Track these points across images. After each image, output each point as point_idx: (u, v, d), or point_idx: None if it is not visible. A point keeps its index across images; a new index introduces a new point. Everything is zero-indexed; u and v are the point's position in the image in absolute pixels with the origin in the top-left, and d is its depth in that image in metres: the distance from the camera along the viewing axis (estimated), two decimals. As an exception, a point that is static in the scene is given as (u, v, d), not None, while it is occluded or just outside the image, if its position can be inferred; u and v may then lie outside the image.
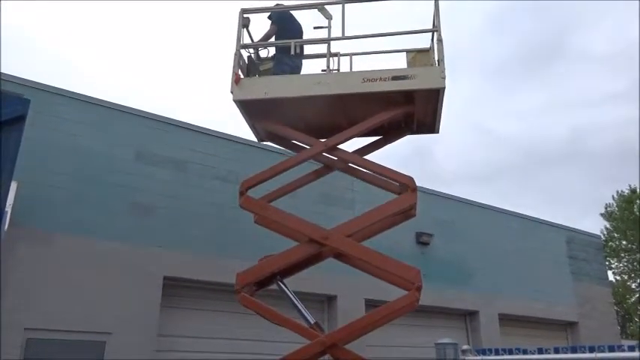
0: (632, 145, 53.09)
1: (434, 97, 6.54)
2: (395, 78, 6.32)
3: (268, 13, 7.58)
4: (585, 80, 66.49)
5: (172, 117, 9.99)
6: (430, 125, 7.30)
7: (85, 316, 7.99)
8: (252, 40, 7.40)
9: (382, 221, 6.59)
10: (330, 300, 10.80)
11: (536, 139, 66.73)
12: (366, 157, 7.19)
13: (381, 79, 6.34)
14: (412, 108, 6.64)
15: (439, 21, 6.59)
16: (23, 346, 7.49)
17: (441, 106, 6.74)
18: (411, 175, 6.42)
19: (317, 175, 7.48)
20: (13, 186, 6.99)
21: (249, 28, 7.30)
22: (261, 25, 7.55)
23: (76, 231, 8.31)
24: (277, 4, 7.81)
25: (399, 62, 6.84)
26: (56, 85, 8.87)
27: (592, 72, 65.65)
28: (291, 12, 7.69)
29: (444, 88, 6.30)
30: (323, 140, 6.75)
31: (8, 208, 6.90)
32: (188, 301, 9.36)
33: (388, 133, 7.31)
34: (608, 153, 57.57)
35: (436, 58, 6.51)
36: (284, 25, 7.50)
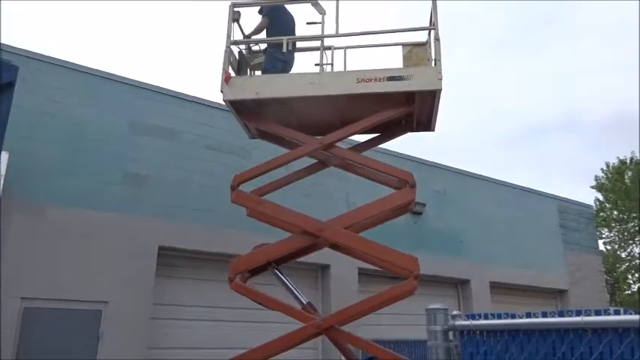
0: (626, 116, 53.18)
1: (430, 97, 6.37)
2: (390, 78, 6.10)
3: (259, 7, 7.33)
4: (582, 51, 66.10)
5: (165, 87, 9.93)
6: (426, 123, 7.12)
7: (81, 286, 8.06)
8: (243, 34, 7.16)
9: (379, 215, 6.50)
10: (324, 269, 10.91)
11: (531, 110, 66.69)
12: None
13: (376, 79, 6.12)
14: (412, 108, 6.46)
15: (437, 19, 6.33)
16: (20, 315, 7.58)
17: (438, 105, 6.57)
18: (410, 171, 6.31)
19: (311, 170, 7.35)
20: (5, 156, 6.96)
21: (240, 21, 7.03)
22: (252, 17, 7.33)
23: (70, 201, 8.32)
24: None
25: (395, 55, 6.66)
26: (46, 54, 8.78)
27: (590, 43, 65.22)
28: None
29: (441, 89, 6.11)
30: (319, 138, 6.57)
31: (0, 178, 6.88)
32: (183, 271, 9.45)
33: (387, 131, 7.15)
34: (604, 124, 57.67)
35: (433, 57, 6.29)
36: (275, 18, 7.26)
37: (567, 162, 58.42)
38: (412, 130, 7.22)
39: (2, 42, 8.13)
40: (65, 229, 8.17)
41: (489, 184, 14.94)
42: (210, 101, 10.23)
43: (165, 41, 64.15)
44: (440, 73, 6.06)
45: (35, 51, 8.64)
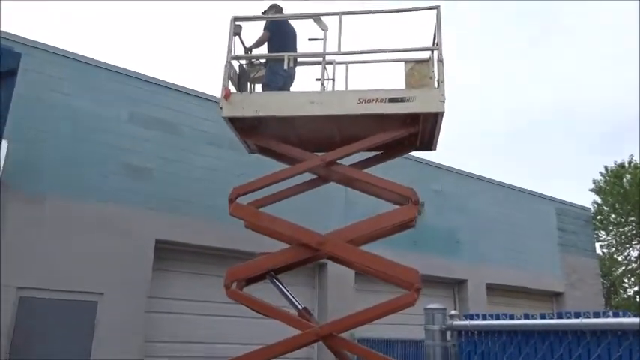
0: (627, 118, 53.32)
1: (433, 118, 6.28)
2: (392, 100, 6.01)
3: (262, 13, 7.29)
4: (583, 51, 66.10)
5: (166, 79, 9.91)
6: (427, 143, 7.04)
7: (77, 277, 8.04)
8: (244, 47, 7.09)
9: (381, 230, 6.46)
10: (321, 267, 10.90)
11: (529, 110, 66.73)
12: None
13: (377, 100, 6.03)
14: (416, 129, 6.39)
15: (441, 38, 6.20)
16: (16, 305, 7.57)
17: (440, 127, 6.48)
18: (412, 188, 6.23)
19: (311, 185, 7.27)
20: (4, 144, 6.94)
21: (242, 35, 6.96)
22: (255, 30, 7.29)
23: (68, 192, 8.30)
24: (272, 5, 7.50)
25: (398, 69, 6.60)
26: (48, 44, 8.75)
27: (592, 42, 65.19)
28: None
29: (444, 112, 6.02)
30: (320, 155, 6.51)
31: (-1, 167, 6.86)
32: (179, 264, 9.43)
33: (390, 149, 7.06)
34: (601, 123, 57.75)
35: (436, 77, 6.19)
36: (277, 31, 7.20)
37: (566, 164, 58.52)
38: (416, 149, 7.17)
39: (4, 30, 8.08)
40: (63, 219, 8.15)
41: (487, 184, 14.92)
42: (211, 95, 10.20)
43: (167, 33, 64.03)
44: (443, 95, 5.96)
45: (37, 40, 8.60)
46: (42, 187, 8.11)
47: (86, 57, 9.10)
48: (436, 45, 6.26)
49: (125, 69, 9.47)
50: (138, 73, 9.60)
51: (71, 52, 8.95)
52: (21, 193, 7.84)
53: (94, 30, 56.50)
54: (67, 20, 58.22)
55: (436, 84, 6.18)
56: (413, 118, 6.26)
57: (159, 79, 9.80)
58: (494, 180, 15.18)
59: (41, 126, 8.30)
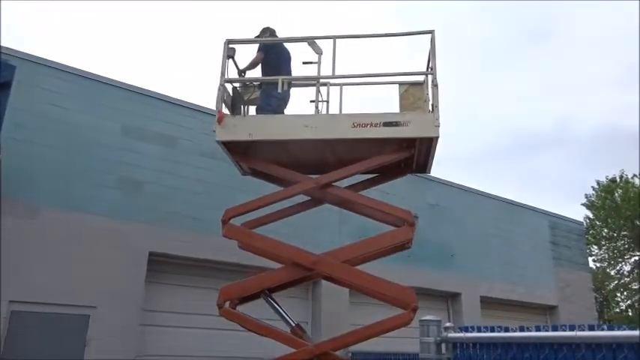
0: (617, 131, 53.84)
1: (427, 141, 6.29)
2: (386, 124, 6.00)
3: (255, 37, 7.36)
4: (574, 65, 66.82)
5: (162, 92, 9.93)
6: (422, 165, 7.06)
7: (70, 290, 7.98)
8: (238, 70, 7.09)
9: (376, 251, 6.48)
10: (316, 280, 10.85)
11: (522, 124, 67.22)
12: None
13: (372, 124, 6.03)
14: (412, 152, 6.40)
15: (435, 63, 6.22)
16: (8, 319, 7.49)
17: (434, 151, 6.50)
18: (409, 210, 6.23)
19: (305, 207, 7.27)
20: (-2, 157, 6.92)
21: (236, 57, 6.93)
22: (249, 51, 7.28)
23: (62, 205, 8.26)
24: (265, 28, 7.55)
25: (392, 90, 6.62)
26: (43, 57, 8.77)
27: (582, 57, 65.95)
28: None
29: (438, 137, 6.04)
30: (314, 177, 6.50)
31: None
32: (173, 277, 9.38)
33: (386, 172, 7.06)
34: (594, 139, 58.23)
35: (430, 100, 6.21)
36: (271, 51, 7.23)
37: (558, 177, 58.85)
38: (412, 172, 7.16)
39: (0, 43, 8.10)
40: (56, 232, 8.10)
41: (482, 197, 14.97)
42: (206, 108, 10.22)
43: (164, 45, 64.22)
44: (437, 120, 5.97)
45: (33, 53, 8.62)
46: (37, 199, 8.06)
47: (82, 70, 9.12)
48: (430, 69, 6.29)
49: (121, 82, 9.49)
50: (134, 86, 9.62)
51: (68, 66, 8.97)
52: (14, 206, 7.79)
53: (91, 42, 56.60)
54: (65, 32, 58.31)
55: (430, 108, 6.19)
56: (409, 142, 6.26)
57: (154, 92, 9.82)
58: (488, 193, 15.23)
59: (36, 139, 8.29)
